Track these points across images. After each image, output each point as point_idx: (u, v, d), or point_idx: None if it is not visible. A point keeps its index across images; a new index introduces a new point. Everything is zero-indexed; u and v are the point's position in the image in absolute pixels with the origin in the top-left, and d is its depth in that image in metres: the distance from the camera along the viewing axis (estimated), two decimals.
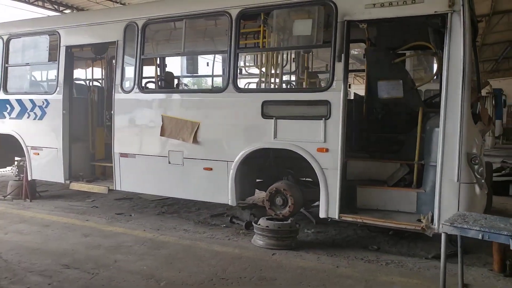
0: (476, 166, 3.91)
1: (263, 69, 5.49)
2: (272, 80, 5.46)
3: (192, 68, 7.43)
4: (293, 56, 6.14)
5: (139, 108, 6.04)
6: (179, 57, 6.89)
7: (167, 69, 7.88)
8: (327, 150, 4.57)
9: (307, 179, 5.60)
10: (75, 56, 7.36)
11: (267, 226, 4.86)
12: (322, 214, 4.72)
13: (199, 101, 5.58)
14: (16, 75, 7.47)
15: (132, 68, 6.02)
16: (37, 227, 5.57)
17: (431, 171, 4.24)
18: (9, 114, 7.24)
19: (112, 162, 6.96)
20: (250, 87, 6.20)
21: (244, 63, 6.30)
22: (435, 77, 5.59)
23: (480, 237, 2.95)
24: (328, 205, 4.65)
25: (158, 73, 7.17)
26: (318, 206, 5.90)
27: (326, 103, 4.53)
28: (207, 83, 8.10)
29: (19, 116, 7.13)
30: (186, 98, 5.73)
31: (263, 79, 5.47)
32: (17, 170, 7.55)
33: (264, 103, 4.96)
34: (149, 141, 5.95)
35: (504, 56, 23.36)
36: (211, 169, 5.43)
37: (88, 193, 7.49)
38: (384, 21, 4.39)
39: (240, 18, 5.14)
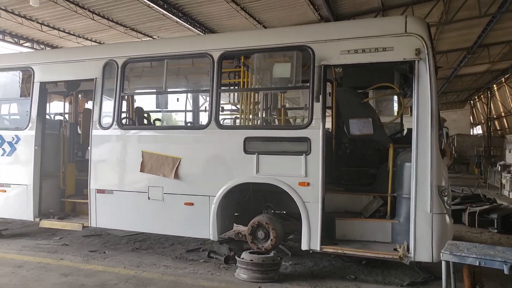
0: (445, 198, 4.34)
1: (243, 106, 5.77)
2: (251, 117, 5.74)
3: (162, 103, 7.60)
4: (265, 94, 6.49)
5: (118, 144, 6.07)
6: (162, 98, 7.03)
7: (136, 105, 7.98)
8: (308, 184, 4.85)
9: (282, 212, 5.83)
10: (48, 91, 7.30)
11: (251, 260, 4.98)
12: (304, 246, 4.93)
13: (181, 137, 5.74)
14: None
15: (110, 104, 6.10)
16: (10, 268, 5.34)
17: (404, 203, 4.63)
18: None
19: (84, 198, 6.89)
20: (228, 123, 6.43)
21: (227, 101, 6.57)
22: (399, 116, 6.12)
23: (477, 264, 3.41)
24: (310, 237, 4.88)
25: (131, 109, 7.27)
26: (292, 239, 6.19)
27: (307, 139, 4.85)
28: (177, 118, 8.27)
29: None
30: (167, 135, 5.85)
31: (243, 116, 5.73)
32: None
33: (246, 139, 5.20)
34: (128, 177, 5.97)
35: (442, 91, 25.85)
36: (192, 204, 5.53)
37: (54, 231, 7.28)
38: (357, 66, 4.84)
39: (221, 60, 5.44)
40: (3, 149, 6.75)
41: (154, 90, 7.43)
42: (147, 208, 5.78)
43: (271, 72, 5.36)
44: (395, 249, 4.52)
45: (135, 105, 7.96)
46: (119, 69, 5.98)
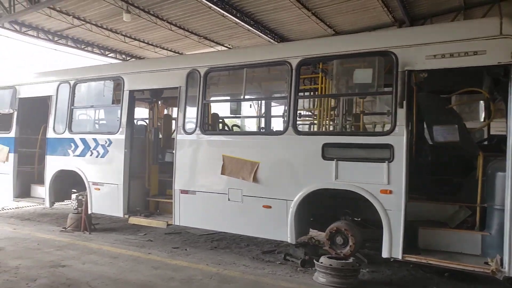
0: None
1: (320, 112, 5.84)
2: (329, 122, 5.79)
3: (238, 110, 7.90)
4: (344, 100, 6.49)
5: (200, 148, 6.44)
6: (242, 105, 7.36)
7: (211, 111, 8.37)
8: (390, 192, 4.80)
9: (357, 218, 5.79)
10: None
11: (330, 265, 5.04)
12: (385, 254, 4.88)
13: (259, 143, 5.94)
14: (80, 116, 8.05)
15: (193, 111, 6.49)
16: (108, 258, 5.90)
17: (496, 214, 4.41)
18: (73, 152, 7.77)
19: (166, 198, 7.40)
20: (304, 129, 6.55)
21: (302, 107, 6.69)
22: (489, 122, 5.81)
23: None
24: (391, 246, 4.81)
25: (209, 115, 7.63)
26: (367, 246, 6.12)
27: (389, 146, 4.80)
28: (250, 124, 8.56)
29: (82, 153, 7.64)
30: (246, 140, 6.10)
31: (320, 122, 5.80)
32: (76, 203, 7.97)
33: (325, 146, 5.27)
34: (209, 179, 6.30)
35: None
36: (270, 207, 5.70)
37: (138, 227, 7.85)
38: (444, 71, 4.69)
39: (300, 67, 5.56)
40: (97, 151, 7.46)
41: (228, 98, 7.76)
42: (227, 209, 6.07)
43: (350, 77, 5.38)
44: (486, 263, 4.32)
45: (211, 111, 8.39)
46: (202, 78, 6.35)
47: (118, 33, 11.68)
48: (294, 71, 5.54)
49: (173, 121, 9.24)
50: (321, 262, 5.14)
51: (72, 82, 7.93)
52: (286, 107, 5.72)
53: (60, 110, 8.08)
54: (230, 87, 7.50)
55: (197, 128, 6.37)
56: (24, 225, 8.33)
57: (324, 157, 5.27)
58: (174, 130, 9.24)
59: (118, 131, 7.24)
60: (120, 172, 7.15)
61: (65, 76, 8.14)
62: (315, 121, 6.02)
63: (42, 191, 8.43)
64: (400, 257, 4.77)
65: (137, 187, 7.52)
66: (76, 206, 8.01)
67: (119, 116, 7.32)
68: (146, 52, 13.43)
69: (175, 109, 9.87)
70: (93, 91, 7.95)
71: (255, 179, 5.77)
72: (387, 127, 5.20)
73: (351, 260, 5.13)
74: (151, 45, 12.73)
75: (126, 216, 7.20)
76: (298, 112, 5.74)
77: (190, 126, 6.51)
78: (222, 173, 6.06)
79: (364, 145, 5.05)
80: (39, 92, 8.48)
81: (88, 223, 7.81)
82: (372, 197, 4.92)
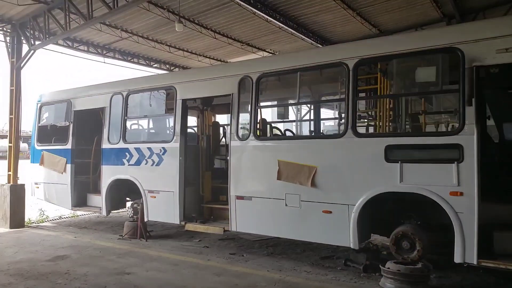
0: None
1: (380, 113, 5.69)
2: (389, 123, 5.62)
3: (283, 115, 7.86)
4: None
5: (255, 154, 6.44)
6: (296, 110, 7.35)
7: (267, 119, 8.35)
8: (461, 193, 4.59)
9: (420, 222, 5.57)
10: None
11: (398, 270, 4.87)
12: (457, 259, 4.66)
13: (315, 147, 5.87)
14: (134, 126, 8.28)
15: (246, 117, 6.51)
16: (169, 265, 6.00)
17: None
18: (128, 161, 7.99)
19: (220, 204, 7.46)
20: (367, 131, 6.41)
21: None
22: None
23: None
24: (465, 250, 4.59)
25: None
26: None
27: (458, 146, 4.60)
28: (304, 129, 8.45)
29: (137, 162, 7.84)
30: (302, 144, 6.04)
31: (380, 123, 5.64)
32: (132, 211, 8.19)
33: (388, 148, 5.12)
34: (265, 184, 6.29)
35: None
36: (330, 212, 5.60)
37: (192, 233, 7.95)
38: None
39: (357, 68, 5.45)
40: (152, 160, 7.64)
41: (280, 102, 7.72)
42: (285, 215, 6.02)
43: (411, 76, 5.21)
44: None
45: (266, 119, 8.38)
46: (254, 84, 6.36)
47: (163, 44, 11.95)
48: (351, 72, 5.44)
49: (221, 128, 9.39)
50: (388, 268, 4.98)
51: (125, 94, 8.18)
52: (344, 109, 5.61)
53: (114, 121, 8.35)
54: (282, 92, 7.48)
55: (251, 134, 6.38)
56: (83, 233, 8.65)
57: (387, 159, 5.12)
58: (222, 137, 9.40)
59: (172, 140, 7.38)
60: (176, 180, 7.27)
61: (117, 88, 8.41)
62: (374, 123, 5.86)
63: (98, 200, 8.74)
64: (475, 262, 4.54)
65: (192, 194, 7.63)
66: (132, 214, 8.24)
67: (173, 125, 7.48)
68: (189, 61, 13.67)
69: (222, 116, 10.02)
70: (146, 101, 8.16)
71: (313, 184, 5.70)
72: (454, 126, 4.98)
73: (419, 265, 4.94)
74: (195, 54, 12.95)
75: (183, 223, 7.31)
76: (358, 114, 5.62)
77: (243, 132, 6.54)
78: (278, 179, 6.02)
79: (431, 146, 4.86)
80: (93, 104, 8.81)
81: (144, 231, 7.99)
82: (441, 199, 4.72)
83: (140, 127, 8.59)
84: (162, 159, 7.51)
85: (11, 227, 9.03)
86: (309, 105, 7.79)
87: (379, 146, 5.19)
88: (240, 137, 6.53)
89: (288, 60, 6.24)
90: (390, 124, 5.56)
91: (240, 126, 6.61)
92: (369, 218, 5.71)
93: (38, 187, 9.87)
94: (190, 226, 7.26)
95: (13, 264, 6.04)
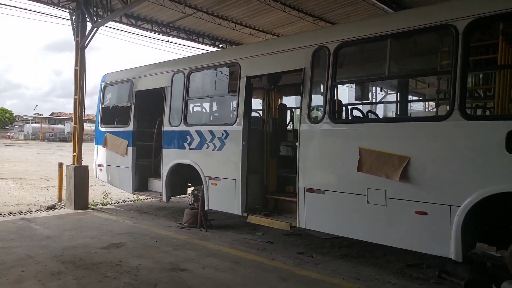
0: None
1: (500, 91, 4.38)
2: None
3: (362, 96, 6.66)
4: None
5: (330, 139, 5.46)
6: (383, 86, 6.20)
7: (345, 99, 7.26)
8: None
9: None
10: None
11: None
12: None
13: (409, 132, 4.73)
14: (196, 108, 7.67)
15: (320, 97, 5.53)
16: (229, 263, 5.31)
17: None
18: (189, 145, 7.40)
19: (286, 195, 6.59)
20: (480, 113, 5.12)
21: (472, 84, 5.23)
22: None
23: None
24: None
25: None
26: None
27: None
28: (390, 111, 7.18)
29: (198, 146, 7.22)
30: (391, 129, 4.92)
31: (500, 103, 4.35)
32: (192, 199, 7.65)
33: (511, 134, 3.87)
34: (341, 176, 5.31)
35: None
36: (425, 213, 4.49)
37: (255, 225, 7.19)
38: None
39: (470, 30, 4.22)
40: (213, 144, 6.96)
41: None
42: (365, 213, 5.00)
43: None
44: None
45: (343, 99, 7.30)
46: (331, 56, 5.35)
47: (228, 20, 11.21)
48: (461, 36, 4.22)
49: (288, 111, 8.47)
50: None
51: (186, 72, 7.58)
52: (449, 85, 4.41)
53: (175, 102, 7.80)
54: (366, 67, 6.33)
55: (325, 116, 5.39)
56: (143, 218, 8.30)
57: (510, 149, 3.88)
58: (290, 121, 8.47)
59: (235, 123, 6.63)
60: (238, 166, 6.53)
61: (179, 66, 7.84)
62: (491, 103, 4.56)
63: (159, 184, 8.32)
64: None
65: (256, 183, 6.86)
66: (192, 201, 7.70)
67: (236, 106, 6.72)
68: (257, 40, 12.83)
69: (288, 99, 9.08)
70: (209, 80, 7.50)
71: (403, 178, 4.60)
72: None
73: None
74: (262, 31, 12.05)
75: (245, 214, 6.58)
76: (468, 91, 4.40)
77: (316, 114, 5.57)
78: (359, 170, 4.99)
79: None
80: (155, 84, 8.34)
81: (205, 220, 7.42)
82: None
83: (202, 109, 7.96)
84: (224, 144, 6.80)
85: (75, 208, 8.98)
86: (400, 83, 6.49)
87: (498, 132, 3.97)
88: (312, 119, 5.57)
89: (376, 24, 5.11)
90: None
91: (312, 107, 5.66)
92: (477, 223, 4.51)
93: (101, 169, 9.75)
94: (252, 219, 6.49)
95: (68, 250, 5.73)
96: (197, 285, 4.48)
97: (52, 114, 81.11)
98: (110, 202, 10.18)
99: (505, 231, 4.53)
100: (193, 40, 12.41)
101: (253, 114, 8.48)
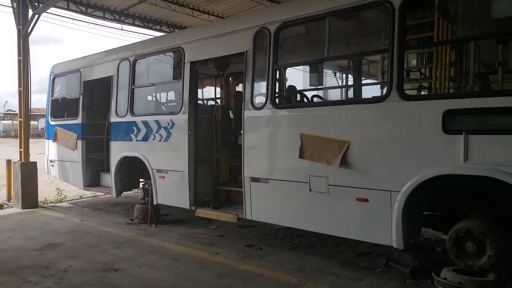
0: None
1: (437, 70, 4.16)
2: (448, 83, 4.09)
3: (318, 78, 6.40)
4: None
5: (273, 126, 5.19)
6: (298, 70, 5.92)
7: (288, 84, 7.00)
8: None
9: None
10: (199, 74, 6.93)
11: (459, 283, 3.52)
12: None
13: (348, 115, 4.48)
14: (141, 97, 7.28)
15: (263, 81, 5.24)
16: (168, 260, 5.01)
17: None
18: (136, 136, 7.03)
19: (237, 186, 6.31)
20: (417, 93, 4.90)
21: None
22: None
23: None
24: None
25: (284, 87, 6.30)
26: None
27: None
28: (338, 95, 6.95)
29: (145, 138, 6.86)
30: (331, 112, 4.67)
31: (437, 83, 4.13)
32: (142, 193, 7.29)
33: (448, 113, 3.68)
34: (284, 164, 5.06)
35: None
36: (366, 200, 4.28)
37: (210, 219, 6.90)
38: None
39: (405, 6, 3.98)
40: (160, 134, 6.61)
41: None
42: (308, 202, 4.77)
43: (484, 12, 3.66)
44: None
45: (287, 84, 7.03)
46: (272, 38, 5.05)
47: (185, 6, 10.74)
48: (397, 12, 3.98)
49: None
50: (445, 278, 3.64)
51: (132, 59, 7.16)
52: (387, 64, 4.18)
53: (121, 91, 7.39)
54: (308, 49, 6.05)
55: (268, 102, 5.11)
56: (94, 215, 7.90)
57: (446, 129, 3.69)
58: None
59: (180, 111, 6.28)
60: (185, 158, 6.20)
61: (125, 53, 7.41)
62: (430, 83, 4.31)
63: (109, 179, 7.91)
64: None
65: (205, 174, 6.54)
66: (142, 196, 7.33)
67: (180, 93, 6.36)
68: None
69: None
70: (154, 67, 7.11)
71: (344, 163, 4.38)
72: None
73: (492, 277, 3.54)
74: (222, 17, 11.63)
75: (193, 207, 6.27)
76: (406, 69, 4.18)
77: (259, 99, 5.28)
78: (301, 157, 4.75)
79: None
80: (102, 73, 7.89)
81: (155, 215, 7.07)
82: None
83: (148, 98, 7.57)
84: (170, 134, 6.45)
85: (23, 207, 8.50)
86: (341, 64, 6.25)
87: (435, 111, 3.76)
88: (255, 105, 5.28)
89: (314, 2, 4.81)
90: (452, 82, 4.02)
91: (255, 92, 5.36)
92: (420, 208, 4.34)
93: (53, 165, 9.27)
94: (201, 212, 6.19)
95: None
96: (126, 285, 4.17)
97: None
98: (65, 200, 9.72)
99: (449, 215, 4.37)
100: (150, 28, 11.89)
101: (212, 103, 8.16)
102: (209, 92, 8.53)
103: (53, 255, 5.20)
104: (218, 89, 8.37)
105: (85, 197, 10.12)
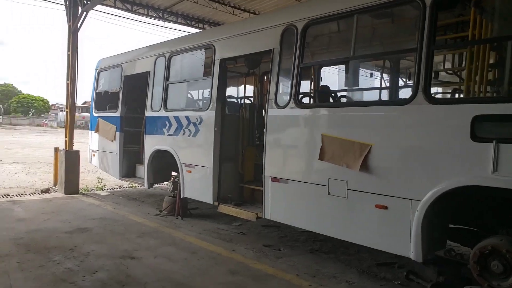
0: None
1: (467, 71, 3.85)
2: (486, 86, 3.78)
3: (352, 81, 6.18)
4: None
5: (295, 125, 5.09)
6: (337, 69, 5.75)
7: (322, 83, 6.83)
8: None
9: None
10: (229, 71, 6.97)
11: None
12: None
13: (371, 117, 4.28)
14: (175, 92, 7.44)
15: (289, 80, 5.15)
16: (185, 253, 5.09)
17: None
18: (167, 130, 7.20)
19: (261, 185, 6.26)
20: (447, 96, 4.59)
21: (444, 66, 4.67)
22: None
23: None
24: None
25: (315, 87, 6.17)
26: None
27: None
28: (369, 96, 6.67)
29: (176, 132, 7.01)
30: (353, 114, 4.48)
31: (469, 86, 3.83)
32: (172, 186, 7.46)
33: (477, 119, 3.39)
34: (305, 165, 4.94)
35: None
36: (386, 207, 4.06)
37: (236, 216, 6.90)
38: None
39: (436, 5, 3.72)
40: (189, 130, 6.72)
41: (337, 59, 6.04)
42: (326, 206, 4.62)
43: None
44: None
45: (321, 83, 6.87)
46: (299, 35, 4.94)
47: (226, 5, 10.86)
48: (428, 9, 3.74)
49: None
50: None
51: (167, 55, 7.34)
52: (415, 65, 3.94)
53: (157, 87, 7.61)
54: (337, 48, 5.87)
55: (291, 101, 5.01)
56: (126, 205, 8.20)
57: (474, 137, 3.40)
58: None
59: (208, 107, 6.35)
60: (210, 154, 6.26)
61: (161, 49, 7.61)
62: (460, 86, 4.01)
63: (143, 171, 8.17)
64: None
65: (230, 171, 6.57)
66: (171, 189, 7.51)
67: (210, 90, 6.43)
68: None
69: None
70: (187, 63, 7.23)
71: (364, 168, 4.18)
72: None
73: None
74: None
75: (216, 203, 6.32)
76: (434, 71, 3.91)
77: (283, 98, 5.20)
78: (321, 158, 4.61)
79: None
80: (141, 68, 8.17)
81: (183, 208, 7.22)
82: None
83: (181, 94, 7.72)
84: (198, 130, 6.54)
85: (66, 193, 9.02)
86: (367, 64, 5.98)
87: (462, 117, 3.48)
88: (279, 104, 5.20)
89: (342, 0, 4.64)
90: (483, 87, 3.71)
91: (280, 90, 5.28)
92: (445, 220, 4.06)
93: (94, 155, 9.75)
94: (223, 208, 6.22)
95: (31, 233, 5.68)
96: (138, 275, 4.27)
97: (84, 103, 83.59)
98: (104, 188, 10.19)
99: (477, 230, 4.05)
100: (192, 26, 12.14)
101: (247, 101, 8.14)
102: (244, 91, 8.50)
103: (80, 239, 5.46)
104: (248, 87, 8.35)
105: (124, 187, 10.54)
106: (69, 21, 9.15)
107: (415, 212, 3.80)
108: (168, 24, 11.98)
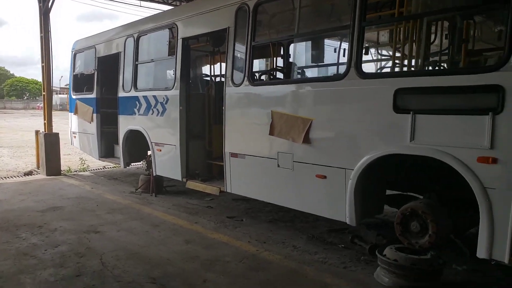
0: None
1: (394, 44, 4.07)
2: (409, 61, 4.00)
3: (300, 58, 6.33)
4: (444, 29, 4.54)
5: (249, 103, 5.33)
6: (295, 46, 5.92)
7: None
8: (494, 160, 3.03)
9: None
10: (196, 50, 7.13)
11: (395, 260, 3.58)
12: (481, 254, 3.20)
13: (312, 93, 4.53)
14: (143, 73, 7.63)
15: (243, 58, 5.35)
16: (148, 226, 5.41)
17: None
18: (138, 110, 7.43)
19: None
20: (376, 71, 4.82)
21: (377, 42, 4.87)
22: None
23: None
24: (492, 243, 3.10)
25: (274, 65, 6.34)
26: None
27: (496, 89, 2.98)
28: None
29: (145, 112, 7.24)
30: (298, 90, 4.72)
31: (397, 61, 4.06)
32: (146, 165, 7.75)
33: (398, 92, 3.64)
34: (258, 140, 5.19)
35: None
36: (324, 177, 4.36)
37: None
38: None
39: None
40: (157, 109, 6.95)
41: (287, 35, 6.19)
42: (277, 177, 4.92)
43: None
44: None
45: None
46: (251, 13, 5.11)
47: None
48: None
49: None
50: (384, 255, 3.70)
51: (135, 36, 7.49)
52: (348, 41, 4.14)
53: (127, 67, 7.79)
54: (283, 27, 6.02)
55: (245, 79, 5.23)
56: (105, 184, 8.50)
57: (396, 108, 3.66)
58: None
59: (173, 87, 6.56)
60: (177, 132, 6.52)
61: (131, 30, 7.75)
62: (389, 61, 4.24)
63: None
64: (505, 260, 3.06)
65: (198, 148, 6.84)
66: (146, 167, 7.80)
67: (174, 69, 6.62)
68: None
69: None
70: (153, 43, 7.40)
71: (306, 141, 4.46)
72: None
73: (429, 255, 3.56)
74: None
75: (184, 179, 6.62)
76: (365, 46, 4.13)
77: (238, 76, 5.42)
78: (271, 133, 4.88)
79: (455, 88, 3.27)
80: (113, 49, 8.31)
81: (157, 186, 7.51)
82: (463, 167, 3.21)
83: (149, 73, 7.90)
84: (165, 109, 6.77)
85: (47, 175, 9.31)
86: (309, 41, 6.13)
87: (387, 90, 3.72)
88: (235, 82, 5.42)
89: None
90: (407, 60, 3.93)
91: (236, 69, 5.49)
92: (380, 186, 4.37)
93: (75, 137, 9.99)
94: (190, 184, 6.53)
95: (4, 213, 5.98)
96: (97, 247, 4.58)
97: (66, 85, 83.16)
98: (87, 169, 10.48)
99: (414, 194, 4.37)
100: (169, 4, 12.12)
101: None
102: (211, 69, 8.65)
103: (51, 217, 5.77)
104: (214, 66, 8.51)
105: (107, 168, 10.82)
106: (39, 1, 9.21)
107: (348, 180, 4.09)
108: (144, 3, 11.98)
